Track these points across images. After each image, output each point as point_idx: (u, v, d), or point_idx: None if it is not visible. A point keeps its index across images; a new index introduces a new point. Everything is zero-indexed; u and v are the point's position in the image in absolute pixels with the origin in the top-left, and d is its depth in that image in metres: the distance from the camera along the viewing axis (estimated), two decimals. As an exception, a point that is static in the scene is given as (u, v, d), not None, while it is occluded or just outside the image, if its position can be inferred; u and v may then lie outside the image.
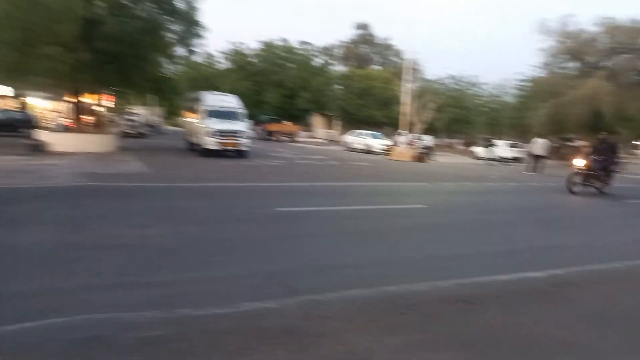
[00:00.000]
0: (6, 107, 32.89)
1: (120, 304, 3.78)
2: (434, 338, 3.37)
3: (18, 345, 2.93)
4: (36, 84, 21.41)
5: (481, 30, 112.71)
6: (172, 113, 58.65)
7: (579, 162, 13.82)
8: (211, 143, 19.06)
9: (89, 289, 4.11)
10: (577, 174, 13.67)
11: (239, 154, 19.83)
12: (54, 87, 21.56)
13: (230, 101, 21.31)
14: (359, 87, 49.66)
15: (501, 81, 46.31)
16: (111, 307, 3.66)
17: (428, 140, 28.40)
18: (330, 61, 58.17)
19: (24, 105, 37.31)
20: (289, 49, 50.46)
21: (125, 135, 29.23)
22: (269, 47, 50.03)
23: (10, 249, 5.18)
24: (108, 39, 16.85)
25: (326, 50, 61.04)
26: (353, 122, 47.82)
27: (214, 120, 19.34)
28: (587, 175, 13.62)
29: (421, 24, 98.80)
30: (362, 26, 68.09)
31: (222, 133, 19.17)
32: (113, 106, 46.67)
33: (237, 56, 50.82)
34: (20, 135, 24.07)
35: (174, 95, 26.53)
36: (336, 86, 52.86)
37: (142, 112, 39.81)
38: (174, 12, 19.14)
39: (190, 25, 19.62)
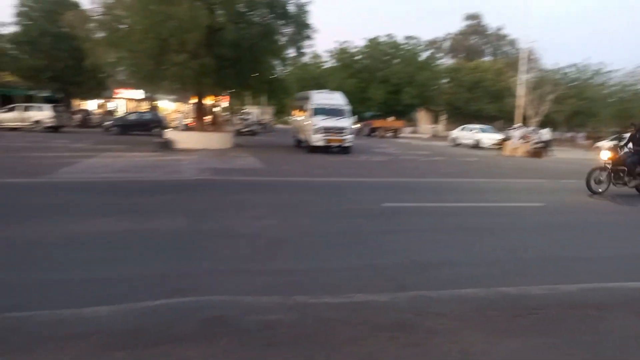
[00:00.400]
0: (140, 109, 37.00)
1: (241, 288, 4.11)
2: (557, 343, 3.16)
3: (154, 321, 3.33)
4: (165, 88, 23.78)
5: (610, 14, 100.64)
6: (280, 111, 61.34)
7: (605, 154, 11.10)
8: (317, 140, 19.62)
9: (214, 273, 4.52)
10: (601, 169, 10.92)
11: (344, 150, 20.17)
12: (180, 90, 23.78)
13: (335, 99, 21.74)
14: (468, 80, 47.44)
15: (635, 68, 40.91)
16: (233, 290, 3.99)
17: (545, 134, 26.17)
18: (437, 55, 56.35)
19: (154, 107, 41.65)
20: (395, 45, 49.83)
21: (239, 133, 31.28)
22: (374, 43, 49.90)
23: (148, 234, 5.88)
24: (228, 45, 18.20)
25: (433, 44, 59.27)
26: (460, 116, 45.90)
27: (319, 117, 19.90)
28: (616, 172, 10.82)
29: (538, 10, 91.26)
30: (473, 17, 64.94)
31: (328, 130, 19.64)
32: (228, 106, 50.14)
33: (343, 54, 51.46)
34: (151, 134, 27.01)
35: (284, 94, 27.75)
36: (443, 80, 51.10)
37: (253, 111, 42.17)
38: (286, 16, 20.03)
39: (301, 28, 20.38)
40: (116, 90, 44.20)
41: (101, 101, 45.51)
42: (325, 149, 19.90)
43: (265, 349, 2.92)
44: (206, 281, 4.28)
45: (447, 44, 65.27)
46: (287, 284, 4.26)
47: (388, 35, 50.20)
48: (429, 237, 6.36)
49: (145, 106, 44.40)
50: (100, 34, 19.36)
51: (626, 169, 10.77)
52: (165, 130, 23.76)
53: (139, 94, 45.38)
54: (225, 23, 18.04)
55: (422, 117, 56.31)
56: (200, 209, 7.56)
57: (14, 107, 28.46)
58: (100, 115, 37.55)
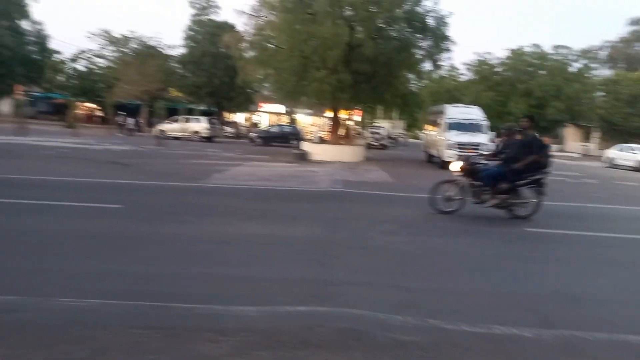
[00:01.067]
0: (280, 123, 39.67)
1: (373, 302, 4.16)
2: None
3: (294, 325, 3.53)
4: (304, 102, 25.21)
5: None
6: (412, 125, 60.65)
7: (455, 165, 8.92)
8: (451, 155, 18.98)
9: (346, 284, 4.65)
10: (450, 182, 8.76)
11: (479, 167, 19.18)
12: (318, 104, 25.01)
13: (472, 113, 20.85)
14: (628, 93, 41.71)
15: None
16: (365, 303, 4.06)
17: None
18: (591, 65, 50.68)
19: (293, 120, 44.29)
20: (541, 55, 46.08)
21: (370, 146, 31.69)
22: (517, 54, 46.76)
23: (287, 239, 6.27)
24: (365, 60, 18.69)
25: (586, 53, 53.44)
26: (617, 134, 40.48)
27: (454, 132, 19.24)
28: (470, 186, 8.56)
29: None
30: (638, 21, 57.03)
31: (462, 145, 18.88)
32: (360, 120, 51.12)
33: (482, 66, 49.17)
34: (290, 145, 28.76)
35: (417, 108, 27.49)
36: (597, 93, 45.72)
37: (384, 125, 42.41)
38: (424, 30, 19.91)
39: (439, 41, 20.07)
40: (261, 104, 48.08)
41: (247, 114, 49.87)
42: (458, 165, 19.13)
43: (400, 368, 2.92)
44: (340, 291, 4.42)
45: (604, 53, 58.28)
46: (419, 303, 4.20)
47: (534, 45, 46.70)
48: (576, 269, 5.73)
49: (285, 119, 47.47)
50: (251, 53, 21.35)
51: (482, 183, 8.44)
52: (302, 142, 25.13)
53: (280, 108, 48.74)
54: (364, 39, 18.54)
55: (570, 133, 50.95)
56: (334, 219, 7.83)
57: (177, 119, 32.64)
58: (247, 128, 41.12)
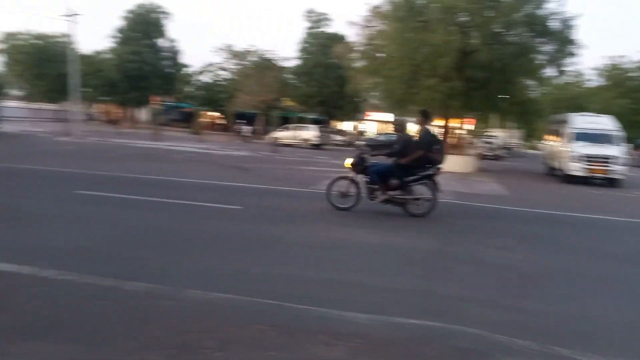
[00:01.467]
0: (387, 131, 39.54)
1: (489, 322, 3.95)
2: None
3: (407, 337, 3.49)
4: (413, 111, 24.83)
5: None
6: (530, 135, 56.52)
7: (348, 160, 8.75)
8: (576, 168, 17.34)
9: (460, 300, 4.49)
10: (344, 178, 8.64)
11: (611, 182, 17.25)
12: (427, 113, 24.46)
13: (602, 123, 18.81)
14: None
15: None
16: (482, 323, 3.87)
17: None
18: None
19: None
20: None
21: (483, 157, 30.15)
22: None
23: (398, 249, 6.22)
24: (479, 67, 17.90)
25: None
26: None
27: (581, 143, 17.55)
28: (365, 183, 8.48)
29: None
30: None
31: (590, 158, 17.15)
32: (472, 129, 48.94)
33: (613, 71, 44.22)
34: (396, 154, 28.47)
35: (536, 117, 25.63)
36: None
37: (499, 135, 40.07)
38: (546, 33, 18.51)
39: (564, 45, 18.51)
40: (368, 113, 48.41)
41: (355, 123, 50.50)
42: (584, 180, 17.41)
43: (524, 396, 2.75)
44: (453, 307, 4.28)
45: None
46: (542, 328, 3.90)
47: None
48: None
49: (391, 128, 47.14)
50: (361, 63, 21.63)
51: (370, 179, 8.33)
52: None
53: (387, 116, 48.61)
54: (479, 45, 17.78)
55: None
56: (445, 232, 7.60)
57: (288, 127, 34.17)
58: (354, 136, 41.64)
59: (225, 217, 7.75)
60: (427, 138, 8.40)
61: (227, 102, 42.99)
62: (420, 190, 8.37)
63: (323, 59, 37.08)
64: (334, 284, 4.75)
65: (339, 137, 39.67)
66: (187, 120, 49.85)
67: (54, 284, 4.08)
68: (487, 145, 32.39)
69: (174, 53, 45.32)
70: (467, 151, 25.38)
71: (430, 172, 8.31)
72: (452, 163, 20.22)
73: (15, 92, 54.62)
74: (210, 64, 46.79)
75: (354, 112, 41.48)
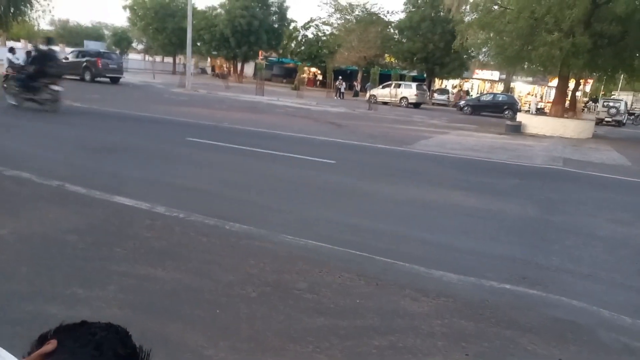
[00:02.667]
0: (493, 91, 36.98)
1: (594, 297, 3.66)
2: None
3: (500, 303, 3.36)
4: (527, 70, 22.82)
5: None
6: (664, 100, 49.40)
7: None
8: None
9: (564, 272, 4.18)
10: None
11: None
12: (542, 72, 22.35)
13: None
14: None
15: None
16: (585, 297, 3.60)
17: None
18: None
19: (509, 89, 40.80)
20: None
21: (602, 122, 27.12)
22: None
23: (495, 214, 5.93)
24: (612, 19, 15.72)
25: None
26: None
27: None
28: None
29: None
30: None
31: None
32: (590, 90, 43.91)
33: None
34: (503, 116, 26.74)
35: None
36: None
37: (624, 98, 35.56)
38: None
39: None
40: (476, 71, 45.53)
41: (458, 81, 47.89)
42: None
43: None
44: (554, 278, 4.02)
45: None
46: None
47: None
48: None
49: (499, 88, 44.09)
50: (473, 16, 20.12)
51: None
52: (517, 113, 23.01)
53: (494, 75, 45.33)
54: (614, -6, 15.56)
55: None
56: (550, 199, 7.06)
57: (388, 84, 33.37)
58: (455, 95, 39.62)
59: (321, 170, 7.91)
60: (46, 57, 11.75)
61: (328, 59, 42.94)
62: (45, 94, 11.53)
63: (431, 12, 35.13)
64: (424, 243, 4.69)
65: (439, 96, 38.01)
66: (288, 75, 50.87)
67: (167, 219, 4.52)
68: (609, 109, 28.91)
69: (281, 8, 45.84)
70: (583, 115, 22.96)
71: (47, 80, 11.47)
72: (563, 127, 18.56)
73: (137, 45, 59.63)
74: (314, 19, 46.77)
75: (459, 69, 39.15)
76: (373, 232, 4.86)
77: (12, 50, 13.45)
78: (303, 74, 45.29)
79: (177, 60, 52.90)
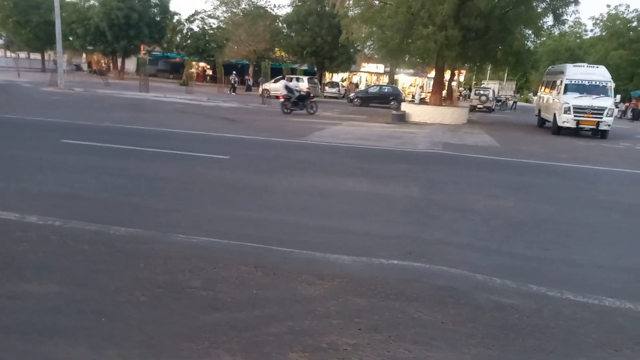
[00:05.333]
0: (380, 83, 38.97)
1: (471, 264, 4.05)
2: None
3: (389, 277, 3.58)
4: (407, 62, 24.36)
5: None
6: (523, 88, 56.03)
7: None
8: (566, 120, 17.30)
9: (445, 244, 4.57)
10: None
11: (599, 133, 17.31)
12: (421, 64, 24.01)
13: (596, 73, 18.52)
14: None
15: None
16: (464, 264, 3.97)
17: None
18: None
19: (393, 80, 43.21)
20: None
21: (475, 109, 29.97)
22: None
23: (384, 197, 6.28)
24: (477, 15, 17.39)
25: None
26: None
27: (572, 94, 17.40)
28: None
29: None
30: None
31: (580, 109, 17.06)
32: (465, 80, 48.29)
33: (613, 20, 43.34)
34: (389, 106, 28.27)
35: (531, 69, 25.33)
36: None
37: (492, 87, 39.67)
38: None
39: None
40: (363, 64, 47.47)
41: (347, 74, 49.60)
42: (575, 132, 17.46)
43: (500, 330, 2.85)
44: (437, 250, 4.37)
45: None
46: (522, 270, 4.00)
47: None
48: None
49: (385, 80, 46.51)
50: (356, 11, 20.94)
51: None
52: (402, 103, 24.52)
53: (380, 68, 47.73)
54: (479, -10, 17.21)
55: None
56: (432, 180, 7.66)
57: (280, 78, 33.47)
58: (346, 87, 41.05)
59: (213, 166, 7.72)
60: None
61: (217, 52, 41.85)
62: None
63: (317, 7, 35.81)
64: (321, 229, 4.81)
65: (330, 89, 39.08)
66: (175, 70, 48.67)
67: (41, 228, 4.09)
68: (480, 97, 32.10)
69: (162, 0, 43.48)
70: (459, 103, 25.18)
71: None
72: (442, 115, 20.19)
73: (-4, 40, 52.73)
74: (200, 12, 45.20)
75: (347, 63, 40.57)
76: (271, 224, 4.87)
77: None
78: (191, 68, 43.59)
79: (47, 57, 47.79)
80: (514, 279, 3.68)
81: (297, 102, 19.14)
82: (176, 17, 46.45)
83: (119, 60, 45.36)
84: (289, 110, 19.02)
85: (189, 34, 46.43)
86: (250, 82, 38.98)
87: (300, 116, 18.71)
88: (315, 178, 7.39)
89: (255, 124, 14.89)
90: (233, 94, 33.26)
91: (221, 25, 43.29)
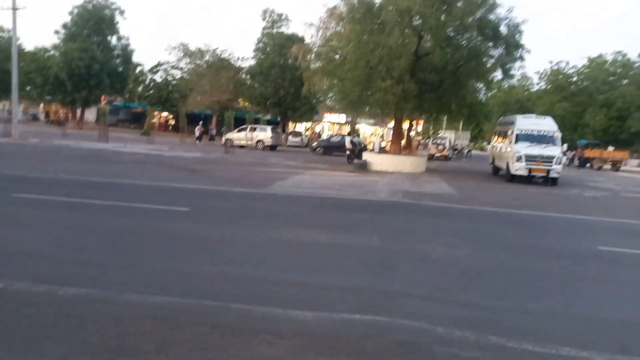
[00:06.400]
0: (341, 133, 39.91)
1: (431, 316, 4.05)
2: None
3: (351, 333, 3.53)
4: (367, 112, 25.24)
5: None
6: (478, 137, 58.65)
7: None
8: (519, 168, 18.14)
9: (404, 296, 4.58)
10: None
11: (549, 181, 18.20)
12: (381, 114, 24.89)
13: (543, 124, 19.74)
14: None
15: None
16: (424, 317, 3.97)
17: None
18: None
19: (354, 130, 44.36)
20: (625, 63, 42.98)
21: (433, 157, 31.02)
22: (597, 62, 43.96)
23: (345, 248, 6.29)
24: (432, 69, 18.41)
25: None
26: None
27: (523, 144, 18.37)
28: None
29: None
30: None
31: (531, 158, 17.97)
32: (423, 130, 50.10)
33: (557, 76, 46.71)
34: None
35: (484, 119, 26.74)
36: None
37: (449, 136, 41.39)
38: (496, 37, 19.20)
39: (512, 49, 19.30)
40: (325, 114, 48.68)
41: (310, 124, 50.64)
42: (527, 179, 18.29)
43: (458, 385, 2.84)
44: (398, 303, 4.36)
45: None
46: (480, 320, 4.04)
47: (617, 52, 43.69)
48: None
49: (346, 129, 47.71)
50: (317, 64, 21.72)
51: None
52: (363, 152, 25.11)
53: (342, 118, 49.05)
54: (432, 48, 18.25)
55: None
56: (393, 230, 7.75)
57: (243, 128, 33.80)
58: (309, 137, 41.81)
59: (172, 219, 7.55)
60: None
61: (180, 103, 42.03)
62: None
63: (279, 59, 36.92)
64: (280, 283, 4.73)
65: (295, 139, 39.68)
66: (137, 120, 48.31)
67: (-19, 291, 3.84)
68: (437, 146, 33.36)
69: (126, 51, 43.68)
70: (417, 152, 26.03)
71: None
72: (402, 163, 20.75)
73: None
74: (163, 63, 45.63)
75: (310, 113, 41.56)
76: (229, 279, 4.76)
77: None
78: (153, 118, 43.41)
79: (0, 107, 46.55)
80: (473, 330, 3.70)
81: (358, 153, 22.85)
82: (139, 68, 46.73)
83: (79, 110, 44.69)
84: (352, 160, 22.60)
85: (152, 84, 46.61)
86: (214, 132, 39.08)
87: (263, 166, 18.79)
88: (276, 229, 7.34)
89: (218, 174, 14.82)
90: (198, 142, 33.22)
91: (185, 76, 43.78)
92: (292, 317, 3.76)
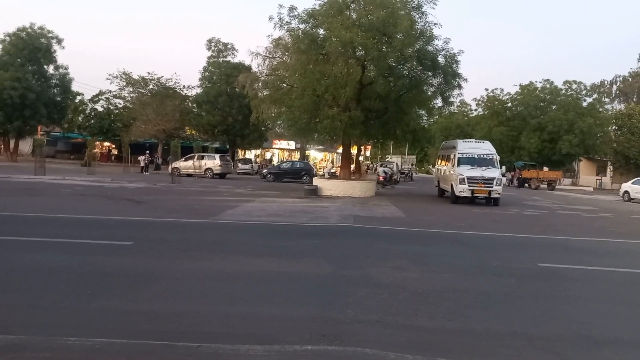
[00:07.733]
0: (291, 159, 40.09)
1: (383, 341, 4.05)
2: None
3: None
4: (316, 139, 25.59)
5: None
6: (423, 160, 60.66)
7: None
8: (462, 190, 18.88)
9: (356, 322, 4.55)
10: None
11: (491, 201, 19.06)
12: (329, 141, 25.32)
13: (483, 148, 20.83)
14: (643, 126, 41.46)
15: None
16: (376, 343, 3.96)
17: None
18: (603, 99, 50.73)
19: (304, 157, 44.71)
20: (552, 90, 46.25)
21: (381, 182, 31.69)
22: (528, 89, 47.04)
23: (295, 277, 6.21)
24: (376, 97, 19.08)
25: (598, 88, 53.68)
26: (632, 167, 40.14)
27: (465, 167, 19.21)
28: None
29: None
30: (649, 55, 57.31)
31: (473, 180, 18.80)
32: (371, 155, 51.25)
33: (493, 102, 49.49)
34: (301, 181, 28.93)
35: (427, 144, 27.88)
36: (610, 127, 45.57)
37: (396, 161, 42.52)
38: (435, 67, 20.18)
39: (450, 78, 20.32)
40: (274, 142, 48.74)
41: (260, 151, 50.50)
42: (470, 200, 19.04)
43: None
44: (349, 330, 4.33)
45: (615, 88, 58.53)
46: (430, 344, 4.08)
47: (545, 80, 46.95)
48: (595, 307, 5.57)
49: (296, 156, 47.93)
50: (265, 93, 21.87)
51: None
52: (313, 178, 25.26)
53: (292, 144, 49.33)
54: (376, 78, 18.88)
55: (584, 167, 50.57)
56: (343, 255, 7.75)
57: (191, 156, 33.14)
58: (259, 164, 41.65)
59: (113, 254, 7.19)
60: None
61: (123, 132, 40.75)
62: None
63: (226, 87, 36.79)
64: (229, 317, 4.58)
65: (243, 166, 39.36)
66: (77, 151, 46.25)
67: None
68: (384, 170, 34.14)
69: (64, 81, 41.85)
70: (366, 177, 26.54)
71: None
72: (352, 188, 21.03)
73: None
74: (104, 92, 44.26)
75: (259, 140, 41.47)
76: (173, 315, 4.55)
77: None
78: (94, 148, 41.67)
79: None
80: (424, 354, 3.73)
81: (390, 179, 28.79)
82: (79, 97, 44.99)
83: (12, 142, 42.14)
84: (384, 186, 27.23)
85: (93, 113, 44.99)
86: (159, 161, 38.04)
87: (212, 194, 18.44)
88: (223, 260, 7.15)
89: (164, 204, 14.37)
90: (146, 173, 32.18)
91: (128, 105, 42.62)
92: (242, 352, 3.63)
